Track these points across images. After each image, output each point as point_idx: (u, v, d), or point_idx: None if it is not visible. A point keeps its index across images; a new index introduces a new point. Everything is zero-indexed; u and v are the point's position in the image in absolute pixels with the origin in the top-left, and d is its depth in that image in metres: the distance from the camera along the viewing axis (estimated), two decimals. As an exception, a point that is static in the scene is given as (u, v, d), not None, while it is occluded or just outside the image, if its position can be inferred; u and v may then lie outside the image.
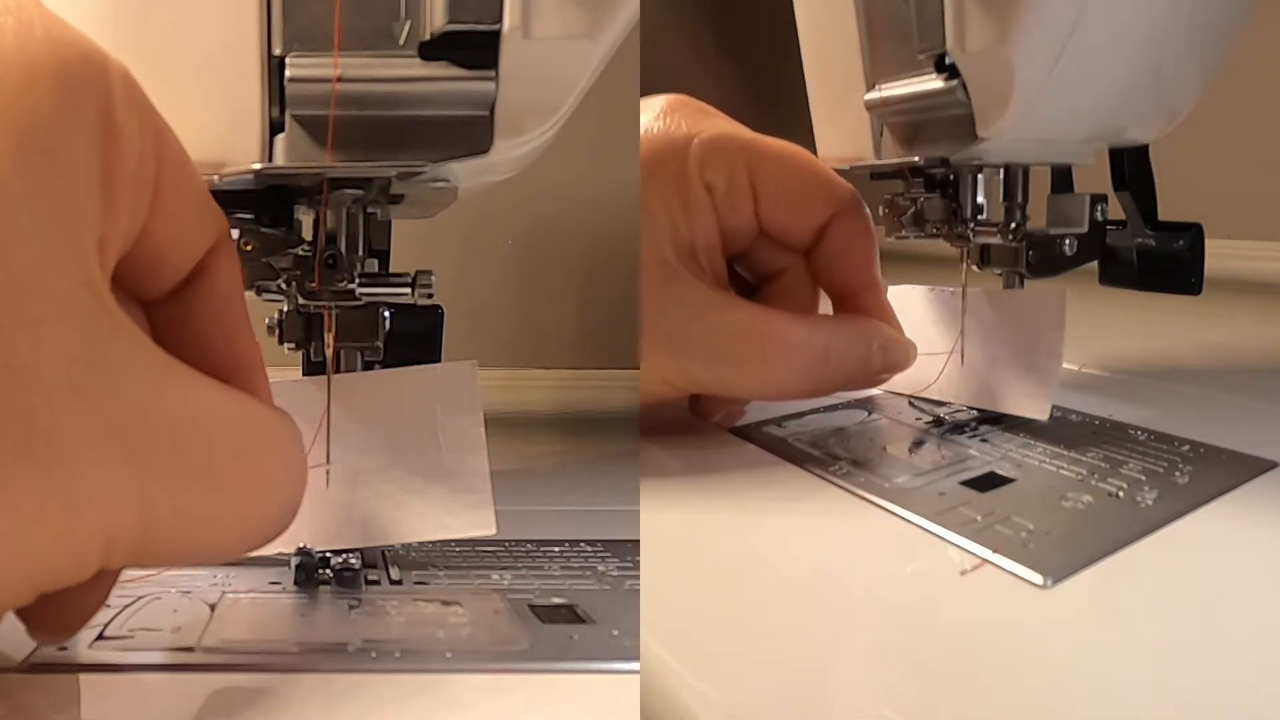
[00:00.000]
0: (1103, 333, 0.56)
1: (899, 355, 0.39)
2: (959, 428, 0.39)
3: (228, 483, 0.22)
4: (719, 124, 0.38)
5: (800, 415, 0.43)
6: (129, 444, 0.19)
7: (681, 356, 0.36)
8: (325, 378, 0.31)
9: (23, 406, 0.17)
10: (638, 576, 0.31)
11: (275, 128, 0.28)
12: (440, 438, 0.31)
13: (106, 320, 0.19)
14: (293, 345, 0.32)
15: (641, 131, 0.37)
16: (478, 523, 0.31)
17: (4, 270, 0.17)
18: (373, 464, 0.31)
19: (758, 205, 0.38)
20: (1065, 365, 0.48)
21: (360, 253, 0.31)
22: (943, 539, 0.29)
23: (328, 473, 0.31)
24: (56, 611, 0.22)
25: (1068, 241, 0.40)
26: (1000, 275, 0.41)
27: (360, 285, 0.30)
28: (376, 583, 0.30)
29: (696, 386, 0.38)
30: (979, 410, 0.40)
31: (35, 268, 0.18)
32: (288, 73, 0.27)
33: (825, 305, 0.41)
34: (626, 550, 0.34)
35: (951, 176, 0.40)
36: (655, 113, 0.38)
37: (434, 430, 0.31)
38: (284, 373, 0.33)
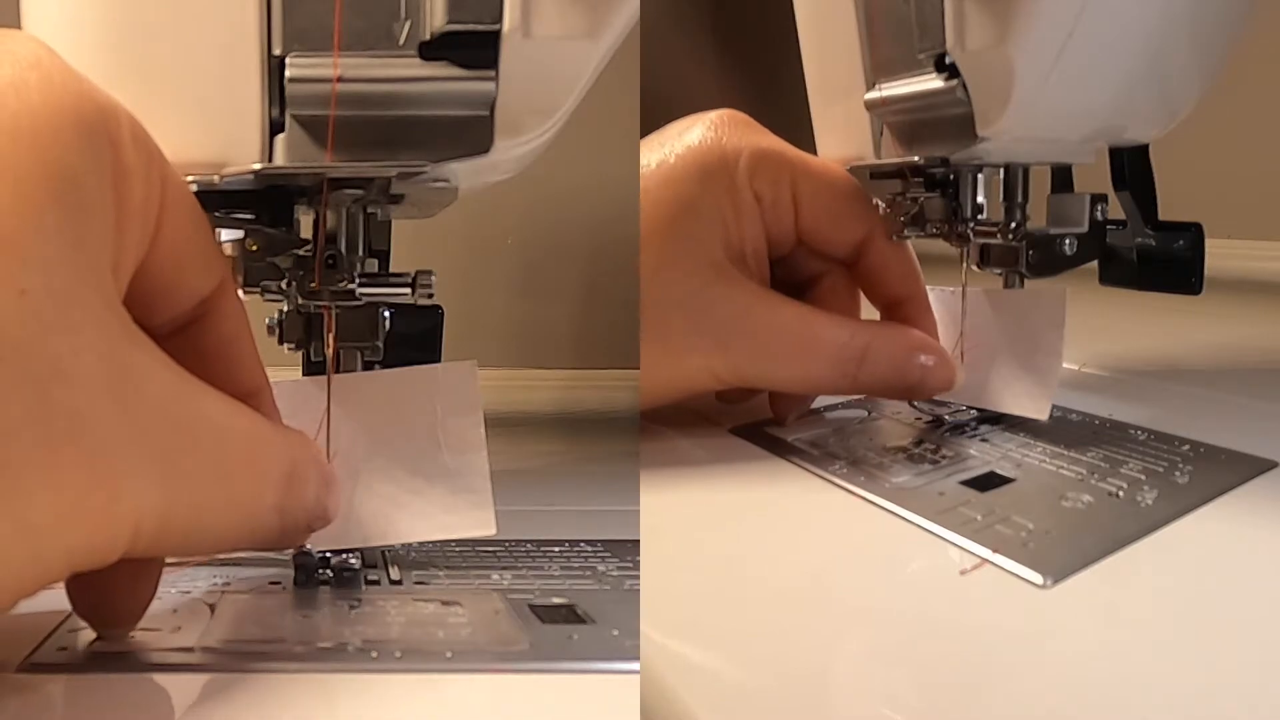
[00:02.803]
0: (1103, 333, 0.56)
1: (942, 374, 0.39)
2: (959, 427, 0.39)
3: (235, 480, 0.24)
4: (767, 140, 0.40)
5: (801, 414, 0.42)
6: (155, 441, 0.22)
7: (730, 350, 0.38)
8: (325, 378, 0.31)
9: (68, 402, 0.20)
10: (638, 576, 0.31)
11: (275, 128, 0.28)
12: (440, 438, 0.31)
13: (127, 333, 0.22)
14: (293, 345, 0.32)
15: (696, 140, 0.39)
16: (478, 523, 0.31)
17: (47, 288, 0.20)
18: (373, 464, 0.31)
19: (797, 218, 0.40)
20: (1065, 365, 0.48)
21: (360, 253, 0.31)
22: (942, 539, 0.29)
23: None
24: (113, 605, 0.25)
25: (1068, 241, 0.40)
26: (1000, 275, 0.41)
27: (360, 285, 0.30)
28: (376, 583, 0.30)
29: (741, 379, 0.39)
30: (979, 410, 0.40)
31: (70, 286, 0.20)
32: (288, 73, 0.27)
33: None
34: (626, 550, 0.34)
35: (951, 176, 0.40)
36: (708, 124, 0.40)
37: (434, 430, 0.31)
38: (284, 373, 0.33)
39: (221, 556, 0.31)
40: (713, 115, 0.40)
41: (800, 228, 0.40)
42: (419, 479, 0.31)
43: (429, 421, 0.31)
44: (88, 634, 0.25)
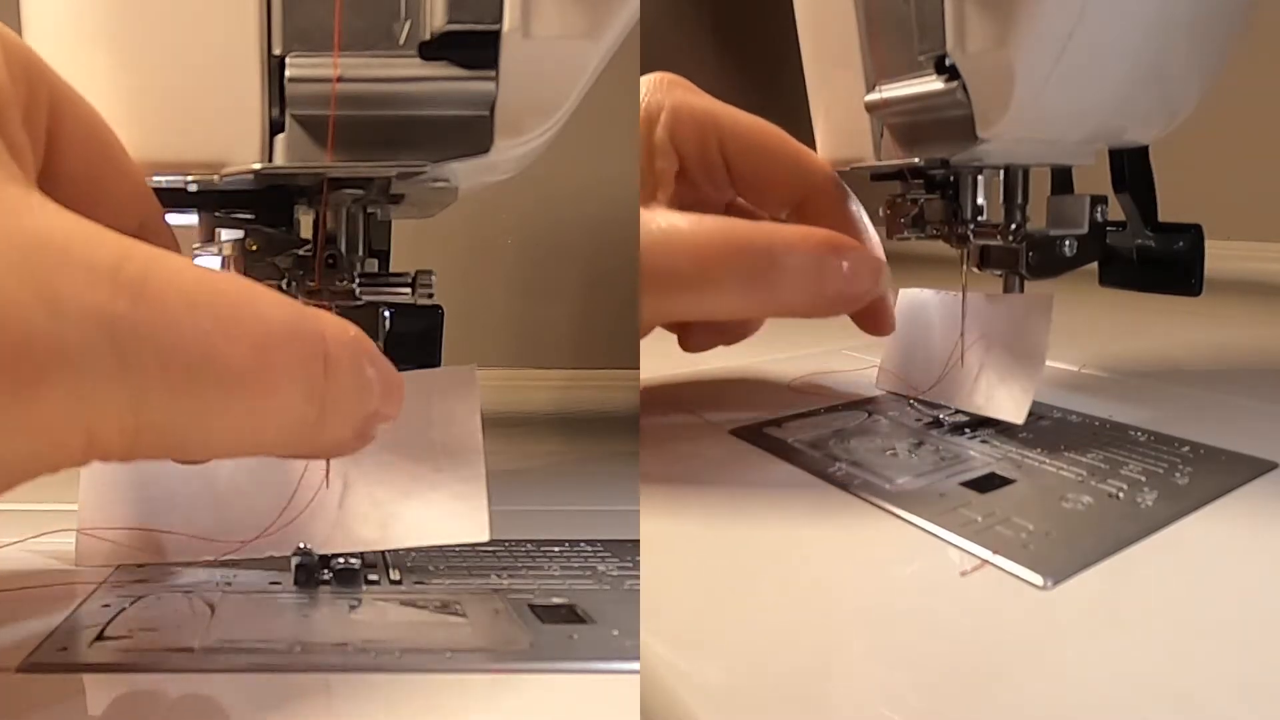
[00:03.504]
0: (1103, 333, 0.56)
1: (865, 274, 0.35)
2: (959, 429, 0.39)
3: (232, 361, 0.20)
4: (693, 98, 0.40)
5: (801, 416, 0.43)
6: (91, 320, 0.18)
7: (646, 274, 0.35)
8: None
9: None
10: (638, 576, 0.31)
11: (275, 128, 0.28)
12: (438, 443, 0.31)
13: (33, 197, 0.19)
14: (293, 345, 0.32)
15: (641, 100, 0.40)
16: (473, 530, 0.31)
17: None
18: (370, 468, 0.31)
19: (732, 179, 0.40)
20: (1065, 366, 0.48)
21: (360, 253, 0.31)
22: (943, 540, 0.29)
23: (327, 476, 0.31)
24: None
25: (1068, 242, 0.40)
26: (1000, 276, 0.41)
27: (360, 285, 0.30)
28: (376, 583, 0.30)
29: (658, 313, 0.37)
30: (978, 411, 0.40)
31: None
32: (288, 73, 0.27)
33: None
34: (626, 550, 0.34)
35: (951, 178, 0.40)
36: (646, 84, 0.40)
37: (432, 435, 0.31)
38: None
39: (221, 557, 0.31)
40: (652, 76, 0.40)
41: (734, 185, 0.41)
42: (416, 484, 0.31)
43: (427, 426, 0.31)
44: (88, 634, 0.26)
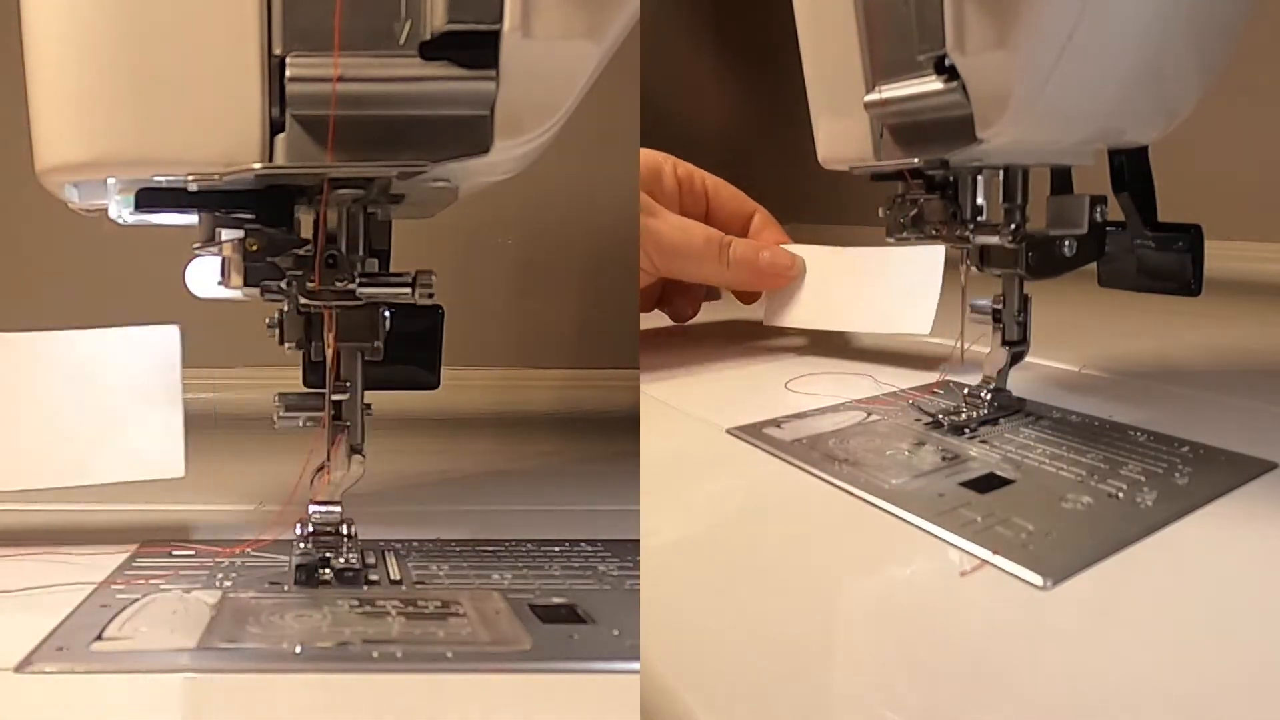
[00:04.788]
0: (1103, 334, 0.56)
1: (783, 261, 0.59)
2: (958, 429, 0.39)
3: None
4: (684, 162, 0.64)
5: (801, 416, 0.43)
6: None
7: (672, 256, 0.58)
8: (40, 334, 0.35)
9: None
10: (638, 576, 0.31)
11: (275, 128, 0.28)
12: (138, 391, 0.35)
13: None
14: (293, 345, 0.32)
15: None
16: (169, 467, 0.34)
17: None
18: (74, 410, 0.34)
19: (708, 204, 0.63)
20: (1065, 366, 0.48)
21: (360, 253, 0.31)
22: (943, 540, 0.29)
23: (330, 460, 0.31)
24: None
25: (1067, 243, 0.40)
26: (1000, 276, 0.41)
27: (360, 285, 0.31)
28: (377, 582, 0.30)
29: (671, 274, 0.60)
30: (978, 411, 0.40)
31: None
32: (288, 73, 0.27)
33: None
34: (626, 550, 0.34)
35: (951, 178, 0.40)
36: (649, 157, 0.61)
37: (133, 385, 0.35)
38: (284, 372, 0.33)
39: (222, 557, 0.31)
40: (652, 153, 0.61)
41: (709, 206, 0.62)
42: (117, 425, 0.34)
43: (130, 376, 0.35)
44: (87, 634, 0.26)
